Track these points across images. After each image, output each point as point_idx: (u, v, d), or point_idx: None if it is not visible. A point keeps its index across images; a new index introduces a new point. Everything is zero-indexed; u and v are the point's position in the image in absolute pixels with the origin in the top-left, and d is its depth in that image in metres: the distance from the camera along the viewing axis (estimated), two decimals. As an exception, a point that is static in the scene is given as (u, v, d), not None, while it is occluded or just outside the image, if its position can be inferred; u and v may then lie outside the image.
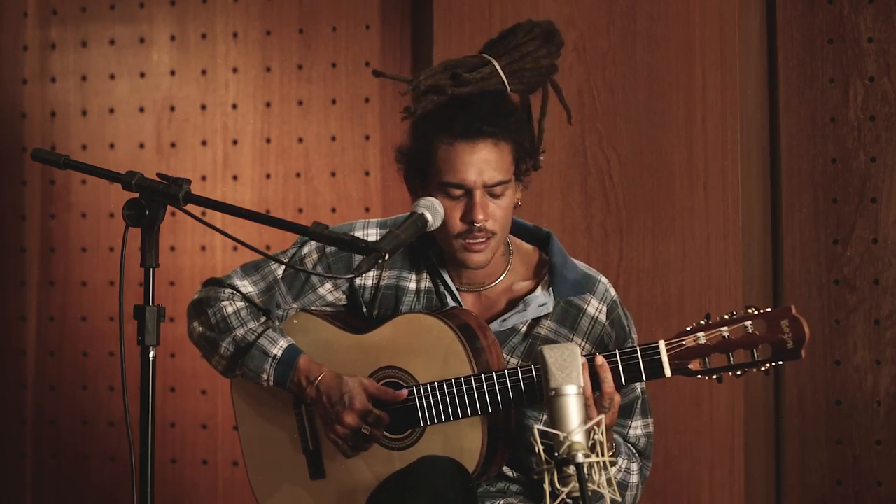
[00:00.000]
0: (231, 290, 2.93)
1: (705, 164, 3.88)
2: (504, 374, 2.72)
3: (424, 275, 2.92)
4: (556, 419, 2.43)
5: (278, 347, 2.86)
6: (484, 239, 2.79)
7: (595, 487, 2.37)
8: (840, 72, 4.02)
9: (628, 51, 3.96)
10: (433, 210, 2.72)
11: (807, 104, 4.05)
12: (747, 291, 3.85)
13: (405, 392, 2.77)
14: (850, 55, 4.02)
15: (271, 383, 2.87)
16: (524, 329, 2.87)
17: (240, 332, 2.89)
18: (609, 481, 2.39)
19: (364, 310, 2.95)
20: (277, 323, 2.95)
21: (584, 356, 2.66)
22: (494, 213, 2.79)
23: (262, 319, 2.92)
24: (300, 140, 4.59)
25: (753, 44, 4.00)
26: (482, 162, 2.77)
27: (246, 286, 2.93)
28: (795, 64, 4.06)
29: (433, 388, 2.76)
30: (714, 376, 2.62)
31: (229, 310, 2.91)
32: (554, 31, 2.93)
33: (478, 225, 2.77)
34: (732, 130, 3.87)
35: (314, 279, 2.93)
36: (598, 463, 2.38)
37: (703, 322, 2.63)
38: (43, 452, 4.84)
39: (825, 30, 4.03)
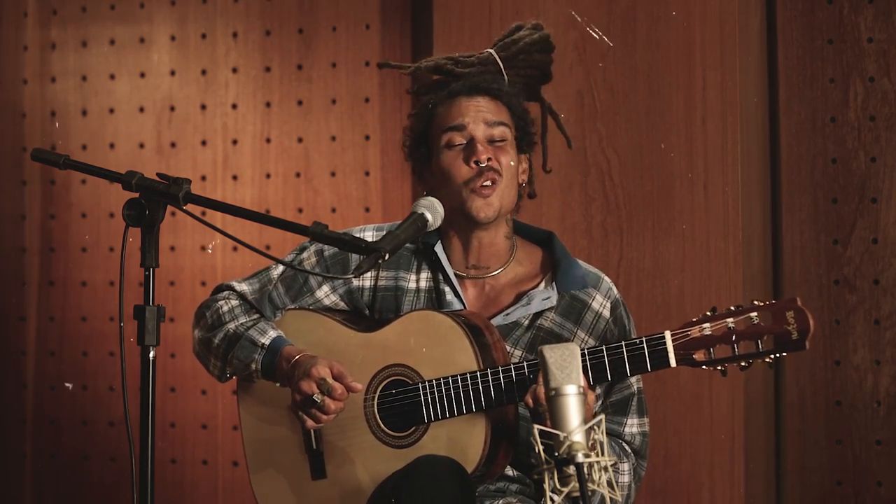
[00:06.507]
0: (227, 291, 2.98)
1: (705, 164, 3.88)
2: (510, 368, 2.73)
3: (425, 273, 2.92)
4: (556, 419, 2.43)
5: (267, 337, 2.87)
6: (492, 182, 2.83)
7: (595, 487, 2.37)
8: (840, 72, 4.02)
9: (628, 51, 3.96)
10: (433, 210, 2.73)
11: (807, 104, 4.05)
12: (747, 291, 3.85)
13: (359, 386, 2.75)
14: (850, 55, 4.02)
15: (259, 374, 2.88)
16: (527, 322, 2.88)
17: (231, 326, 2.92)
18: (609, 482, 2.39)
19: (367, 313, 2.96)
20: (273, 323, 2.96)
21: (588, 349, 2.70)
22: (498, 158, 2.85)
23: (256, 316, 2.94)
24: (300, 140, 4.59)
25: (753, 44, 4.00)
26: (480, 108, 2.86)
27: (241, 285, 2.98)
28: (795, 64, 4.06)
29: (438, 384, 2.77)
30: (719, 367, 2.64)
31: (224, 308, 2.95)
32: (541, 26, 3.04)
33: (483, 165, 2.82)
34: (732, 130, 3.87)
35: (312, 283, 2.94)
36: (597, 463, 2.38)
37: (708, 314, 2.65)
38: (43, 452, 4.84)
39: (825, 30, 4.03)
